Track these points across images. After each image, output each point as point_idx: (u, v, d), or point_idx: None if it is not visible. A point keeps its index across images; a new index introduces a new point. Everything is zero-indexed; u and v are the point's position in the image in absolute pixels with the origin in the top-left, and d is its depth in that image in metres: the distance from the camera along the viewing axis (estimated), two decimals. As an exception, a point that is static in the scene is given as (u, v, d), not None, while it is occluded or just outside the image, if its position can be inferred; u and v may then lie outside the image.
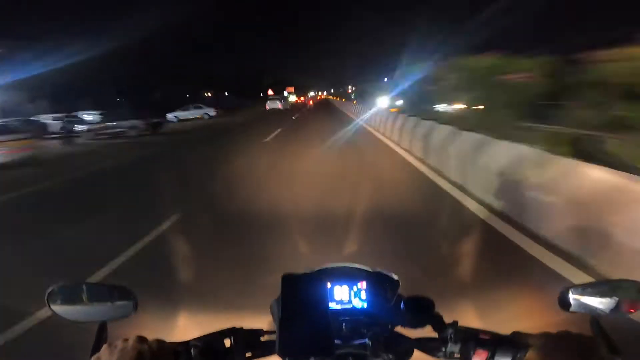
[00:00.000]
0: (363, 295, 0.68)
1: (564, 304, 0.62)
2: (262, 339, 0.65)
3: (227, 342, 0.64)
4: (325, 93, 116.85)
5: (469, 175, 4.65)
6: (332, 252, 2.90)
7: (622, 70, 5.14)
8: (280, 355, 0.60)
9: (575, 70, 6.14)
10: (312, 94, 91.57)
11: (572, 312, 0.61)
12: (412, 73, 12.57)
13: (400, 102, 16.07)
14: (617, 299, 0.60)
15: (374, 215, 3.78)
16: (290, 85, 69.51)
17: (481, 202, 3.99)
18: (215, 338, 0.63)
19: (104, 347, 0.57)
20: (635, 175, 2.49)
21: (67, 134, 15.35)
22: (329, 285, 0.68)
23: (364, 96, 30.67)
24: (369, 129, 12.82)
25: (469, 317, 1.98)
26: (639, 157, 3.93)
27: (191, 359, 0.60)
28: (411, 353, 0.63)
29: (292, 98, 61.17)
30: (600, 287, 0.63)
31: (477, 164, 4.44)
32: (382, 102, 17.39)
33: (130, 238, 3.33)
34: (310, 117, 22.48)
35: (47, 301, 0.64)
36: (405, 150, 7.77)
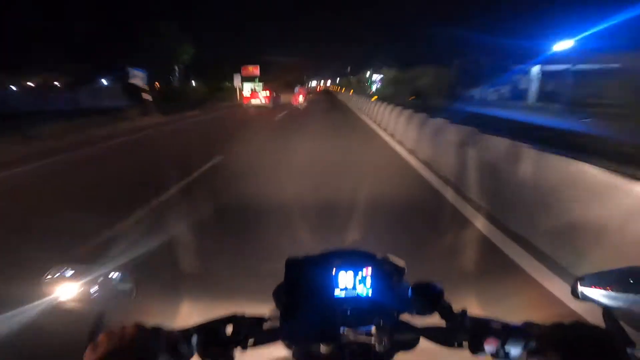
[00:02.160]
0: (368, 281, 0.66)
1: (577, 293, 0.60)
2: (265, 325, 0.64)
3: (229, 329, 0.62)
4: (329, 82, 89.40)
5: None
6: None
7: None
8: (284, 342, 0.59)
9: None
10: (313, 83, 65.66)
11: (583, 301, 0.60)
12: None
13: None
14: (630, 288, 0.58)
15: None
16: (253, 65, 33.30)
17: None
18: (216, 325, 0.61)
19: (101, 335, 0.55)
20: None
21: None
22: (333, 271, 0.66)
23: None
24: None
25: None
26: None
27: (191, 347, 0.58)
28: (417, 341, 0.62)
29: (247, 90, 28.03)
30: (613, 275, 0.61)
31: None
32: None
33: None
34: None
35: (43, 287, 0.62)
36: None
